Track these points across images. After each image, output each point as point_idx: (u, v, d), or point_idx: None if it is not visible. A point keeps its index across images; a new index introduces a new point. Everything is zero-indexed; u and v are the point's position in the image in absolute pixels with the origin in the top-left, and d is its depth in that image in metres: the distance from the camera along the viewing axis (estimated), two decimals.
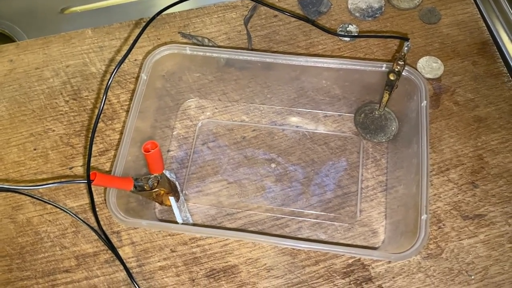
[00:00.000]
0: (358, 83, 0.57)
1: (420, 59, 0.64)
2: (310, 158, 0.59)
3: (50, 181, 0.57)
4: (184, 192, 0.58)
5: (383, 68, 0.54)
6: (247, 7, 0.69)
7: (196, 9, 0.70)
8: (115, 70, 0.50)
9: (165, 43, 0.67)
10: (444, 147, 0.59)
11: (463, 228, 0.55)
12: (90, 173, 0.45)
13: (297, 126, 0.61)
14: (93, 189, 0.55)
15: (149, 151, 0.46)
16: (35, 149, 0.62)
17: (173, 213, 0.55)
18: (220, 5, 0.70)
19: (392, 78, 0.52)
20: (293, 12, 0.68)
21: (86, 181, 0.46)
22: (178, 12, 0.69)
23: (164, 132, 0.62)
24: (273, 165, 0.59)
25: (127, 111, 0.63)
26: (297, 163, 0.59)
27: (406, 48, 0.51)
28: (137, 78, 0.65)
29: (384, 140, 0.59)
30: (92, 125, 0.62)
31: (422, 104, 0.52)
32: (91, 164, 0.60)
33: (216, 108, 0.63)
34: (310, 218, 0.56)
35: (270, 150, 0.60)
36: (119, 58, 0.67)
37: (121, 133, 0.62)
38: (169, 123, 0.62)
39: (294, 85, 0.60)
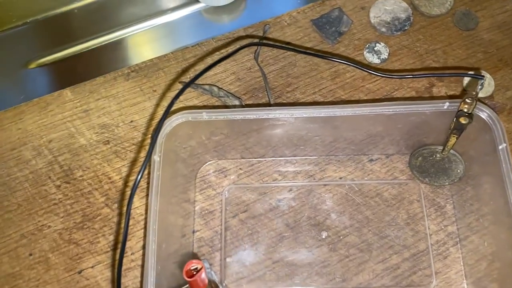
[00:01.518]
0: (412, 124, 0.48)
1: (465, 76, 0.55)
2: (364, 215, 0.50)
3: None
4: (224, 284, 0.48)
5: (445, 107, 0.45)
6: (252, 36, 0.58)
7: (193, 46, 0.58)
8: (139, 177, 0.39)
9: (174, 112, 0.56)
10: None
11: None
12: None
13: (340, 178, 0.52)
14: None
15: (193, 276, 0.36)
16: (30, 255, 0.50)
17: None
18: (219, 38, 0.58)
19: (463, 122, 0.43)
20: (308, 37, 0.58)
21: None
22: (172, 53, 0.58)
23: (184, 209, 0.51)
24: (323, 234, 0.50)
25: (132, 187, 0.52)
26: (350, 224, 0.50)
27: (480, 87, 0.42)
28: (137, 145, 0.54)
29: (447, 184, 0.50)
30: (98, 212, 0.51)
31: (500, 147, 0.43)
32: (105, 262, 0.50)
33: (240, 169, 0.53)
34: None
35: (315, 212, 0.51)
36: (111, 122, 0.55)
37: (132, 217, 0.51)
38: (188, 196, 0.52)
39: (330, 130, 0.50)
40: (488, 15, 0.58)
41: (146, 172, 0.53)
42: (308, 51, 0.56)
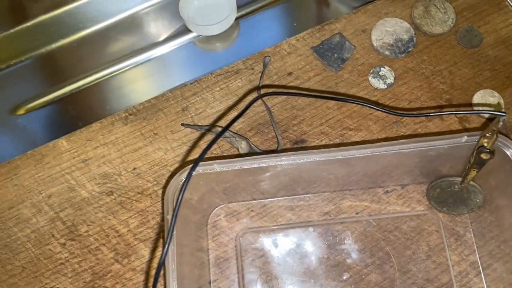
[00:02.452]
0: (428, 158, 0.46)
1: (474, 96, 0.54)
2: (384, 251, 0.49)
3: None
4: None
5: (463, 141, 0.44)
6: (252, 68, 0.56)
7: (191, 83, 0.56)
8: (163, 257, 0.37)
9: (182, 165, 0.53)
10: None
11: None
12: None
13: (356, 213, 0.51)
14: None
15: None
16: None
17: None
18: (218, 72, 0.56)
19: (485, 158, 0.41)
20: (309, 65, 0.56)
21: None
22: (170, 92, 0.55)
23: (198, 258, 0.49)
24: (345, 275, 0.48)
25: (145, 241, 0.50)
26: (371, 262, 0.49)
27: (501, 123, 0.40)
28: (143, 193, 0.51)
29: (465, 212, 0.49)
30: (108, 269, 0.49)
31: None
32: None
33: (252, 211, 0.51)
34: None
35: (334, 252, 0.49)
36: (112, 171, 0.52)
37: (144, 271, 0.49)
38: (200, 244, 0.50)
39: (343, 168, 0.49)
40: (492, 30, 0.57)
41: (152, 221, 0.51)
42: (318, 94, 0.54)
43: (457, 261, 0.49)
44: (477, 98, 0.53)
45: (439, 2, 0.57)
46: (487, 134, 0.41)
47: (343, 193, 0.51)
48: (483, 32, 0.56)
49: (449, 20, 0.56)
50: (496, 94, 0.53)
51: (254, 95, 0.55)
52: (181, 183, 0.43)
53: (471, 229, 0.50)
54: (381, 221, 0.50)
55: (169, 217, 0.42)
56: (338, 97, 0.53)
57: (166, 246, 0.37)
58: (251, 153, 0.52)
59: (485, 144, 0.42)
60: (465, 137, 0.43)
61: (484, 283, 0.48)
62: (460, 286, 0.48)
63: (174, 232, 0.42)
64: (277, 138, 0.52)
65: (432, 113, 0.43)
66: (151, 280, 0.49)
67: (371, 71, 0.55)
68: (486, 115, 0.53)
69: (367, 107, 0.52)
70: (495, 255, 0.48)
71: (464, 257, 0.49)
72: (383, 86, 0.54)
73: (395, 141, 0.44)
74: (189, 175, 0.38)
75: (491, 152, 0.41)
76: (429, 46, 0.56)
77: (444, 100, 0.54)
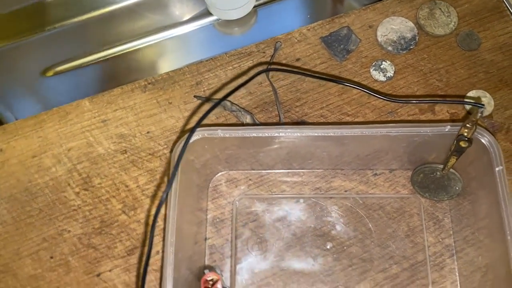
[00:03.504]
0: (415, 143, 0.50)
1: (466, 95, 0.57)
2: (367, 227, 0.53)
3: None
4: None
5: (447, 130, 0.48)
6: (264, 52, 0.61)
7: (207, 60, 0.61)
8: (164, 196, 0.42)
9: (188, 127, 0.59)
10: None
11: None
12: None
13: (345, 191, 0.55)
14: None
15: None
16: (51, 257, 0.53)
17: None
18: (232, 53, 0.61)
19: (463, 145, 0.45)
20: (317, 53, 0.60)
21: None
22: (187, 67, 0.60)
23: (197, 217, 0.54)
24: (328, 245, 0.53)
25: (151, 197, 0.55)
26: (353, 235, 0.53)
27: (480, 114, 0.44)
28: (154, 155, 0.57)
29: (446, 199, 0.53)
30: (115, 218, 0.54)
31: (497, 169, 0.46)
32: (122, 266, 0.53)
33: (250, 180, 0.56)
34: None
35: (321, 223, 0.54)
36: (128, 133, 0.58)
37: (147, 223, 0.54)
38: (200, 205, 0.55)
39: (337, 147, 0.53)
40: (490, 36, 0.60)
41: (160, 180, 0.56)
42: (317, 75, 0.58)
43: (433, 242, 0.53)
44: (469, 97, 0.57)
45: (444, 6, 0.61)
46: (467, 125, 0.46)
47: (335, 172, 0.56)
48: (482, 37, 0.60)
49: (452, 23, 0.60)
50: (488, 95, 0.57)
51: (263, 75, 0.60)
52: (184, 141, 0.48)
53: (449, 215, 0.54)
54: (367, 200, 0.54)
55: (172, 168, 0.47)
56: (337, 80, 0.57)
57: (167, 189, 0.42)
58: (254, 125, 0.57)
59: (465, 134, 0.46)
60: (448, 127, 0.48)
61: (456, 265, 0.52)
62: (433, 265, 0.52)
63: (178, 190, 0.47)
64: (279, 115, 0.57)
65: (419, 101, 0.48)
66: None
67: (373, 64, 0.59)
68: (468, 107, 0.57)
69: (362, 91, 0.56)
70: (469, 240, 0.52)
71: (440, 240, 0.53)
72: (382, 79, 0.58)
73: (384, 124, 0.49)
74: (192, 131, 0.43)
75: (469, 141, 0.45)
76: (430, 46, 0.60)
77: (438, 96, 0.58)
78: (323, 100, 0.58)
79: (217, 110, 0.58)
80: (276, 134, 0.49)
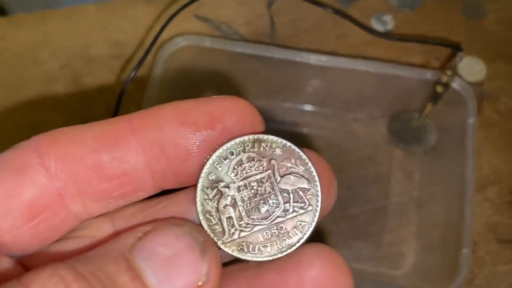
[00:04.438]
0: (396, 88, 0.51)
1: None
2: (337, 167, 0.54)
3: None
4: None
5: (428, 77, 0.48)
6: None
7: None
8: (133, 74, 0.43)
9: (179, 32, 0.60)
10: (483, 162, 0.54)
11: (499, 252, 0.51)
12: None
13: (322, 130, 0.56)
14: None
15: None
16: None
17: None
18: None
19: (439, 90, 0.46)
20: None
21: None
22: None
23: None
24: None
25: (136, 103, 0.57)
26: None
27: (458, 58, 0.45)
28: (145, 65, 0.58)
29: (420, 151, 0.54)
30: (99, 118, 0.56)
31: (469, 121, 0.47)
32: None
33: None
34: (334, 235, 0.52)
35: None
36: (124, 41, 0.59)
37: None
38: None
39: (321, 83, 0.54)
40: (498, 9, 0.60)
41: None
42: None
43: (399, 193, 0.53)
44: (463, 62, 0.57)
45: None
46: (447, 72, 0.46)
47: (316, 111, 0.57)
48: (489, 10, 0.60)
49: None
50: (481, 63, 0.57)
51: (265, 7, 0.61)
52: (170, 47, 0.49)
53: (420, 169, 0.54)
54: (342, 142, 0.55)
55: (156, 71, 0.49)
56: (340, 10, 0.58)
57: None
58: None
59: (443, 80, 0.46)
60: (429, 73, 0.48)
61: (416, 217, 0.52)
62: (394, 213, 0.52)
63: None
64: (271, 28, 0.57)
65: (404, 39, 0.48)
66: None
67: (376, 14, 0.60)
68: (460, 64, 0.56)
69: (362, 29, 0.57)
70: (435, 197, 0.52)
71: (406, 191, 0.53)
72: (381, 30, 0.59)
73: (370, 61, 0.49)
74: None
75: (446, 86, 0.46)
76: (434, 8, 0.60)
77: (432, 57, 0.58)
78: (320, 41, 0.58)
79: (216, 39, 0.59)
80: (264, 53, 0.50)
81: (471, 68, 0.57)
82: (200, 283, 0.21)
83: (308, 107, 0.56)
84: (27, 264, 0.25)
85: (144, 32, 0.60)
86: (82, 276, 0.20)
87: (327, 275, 0.24)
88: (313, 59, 0.49)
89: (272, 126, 0.56)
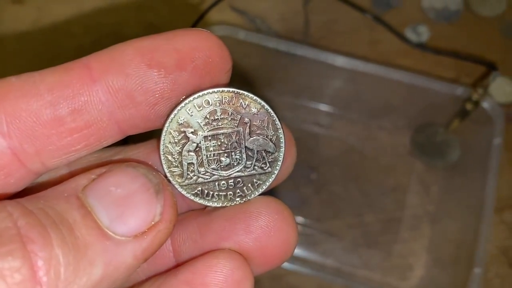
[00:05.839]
0: (425, 100, 0.51)
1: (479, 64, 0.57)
2: (355, 173, 0.54)
3: None
4: None
5: (458, 92, 0.48)
6: None
7: None
8: None
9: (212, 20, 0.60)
10: (503, 183, 0.53)
11: (509, 276, 0.50)
12: None
13: (345, 134, 0.56)
14: None
15: None
16: None
17: None
18: None
19: (468, 108, 0.45)
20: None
21: None
22: None
23: None
24: (313, 176, 0.54)
25: None
26: (340, 175, 0.54)
27: (492, 78, 0.44)
28: None
29: (441, 165, 0.53)
30: None
31: (494, 141, 0.46)
32: None
33: None
34: (346, 240, 0.52)
35: (312, 156, 0.55)
36: (158, 23, 0.60)
37: None
38: None
39: (349, 87, 0.54)
40: None
41: None
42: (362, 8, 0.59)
43: (415, 205, 0.53)
44: (495, 82, 0.56)
45: None
46: (478, 90, 0.45)
47: (342, 114, 0.56)
48: None
49: (499, 8, 0.60)
50: None
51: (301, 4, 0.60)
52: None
53: (439, 184, 0.54)
54: (364, 148, 0.55)
55: None
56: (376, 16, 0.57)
57: None
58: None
59: (473, 98, 0.46)
60: (460, 89, 0.47)
61: (430, 232, 0.52)
62: (408, 225, 0.52)
63: None
64: (306, 27, 0.57)
65: (439, 52, 0.47)
66: None
67: (411, 24, 0.59)
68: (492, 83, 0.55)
69: (396, 35, 0.56)
70: (451, 214, 0.52)
71: (423, 205, 0.53)
72: (415, 40, 0.58)
73: (401, 71, 0.49)
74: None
75: (475, 104, 0.45)
76: (471, 24, 0.60)
77: (464, 73, 0.57)
78: (352, 45, 0.58)
79: (250, 33, 0.59)
80: (296, 52, 0.50)
81: (502, 88, 0.56)
82: (153, 223, 0.21)
83: (332, 109, 0.56)
84: None
85: (178, 17, 0.60)
86: (30, 212, 0.19)
87: (273, 225, 0.24)
88: (344, 62, 0.49)
89: (294, 123, 0.56)
